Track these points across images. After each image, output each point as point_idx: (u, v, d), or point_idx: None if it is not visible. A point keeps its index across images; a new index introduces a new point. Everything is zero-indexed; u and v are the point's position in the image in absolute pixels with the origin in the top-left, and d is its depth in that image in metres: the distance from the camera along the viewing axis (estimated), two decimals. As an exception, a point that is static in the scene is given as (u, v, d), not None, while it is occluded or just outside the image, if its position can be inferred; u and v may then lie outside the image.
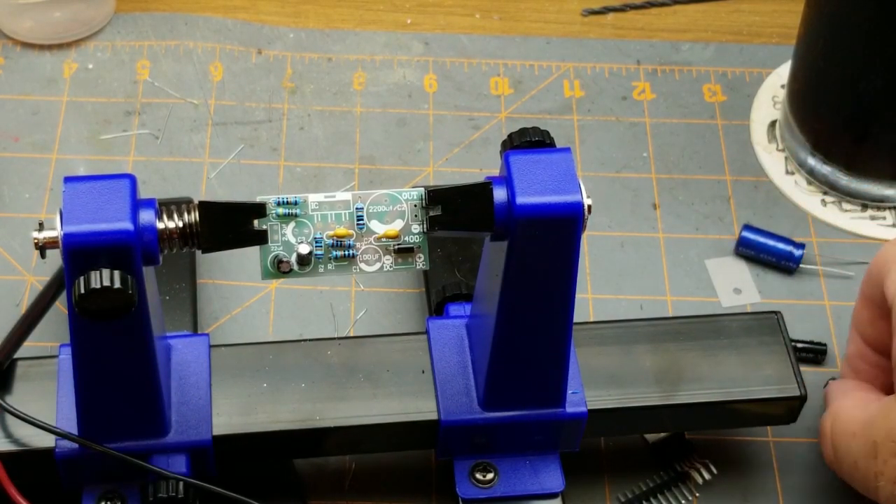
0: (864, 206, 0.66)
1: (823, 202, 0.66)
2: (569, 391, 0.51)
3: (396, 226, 0.44)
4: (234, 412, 0.50)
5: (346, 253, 0.44)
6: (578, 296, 0.51)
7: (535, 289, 0.46)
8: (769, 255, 0.63)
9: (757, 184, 0.67)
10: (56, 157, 0.66)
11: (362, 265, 0.44)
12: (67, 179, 0.43)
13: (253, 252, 0.44)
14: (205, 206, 0.43)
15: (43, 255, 0.43)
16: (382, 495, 0.55)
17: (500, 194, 0.44)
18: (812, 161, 0.66)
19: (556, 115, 0.69)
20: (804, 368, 0.57)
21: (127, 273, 0.42)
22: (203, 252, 0.44)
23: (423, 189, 0.45)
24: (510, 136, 0.48)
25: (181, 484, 0.48)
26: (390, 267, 0.45)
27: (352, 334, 0.60)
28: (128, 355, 0.46)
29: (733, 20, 0.75)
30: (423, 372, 0.52)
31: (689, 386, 0.52)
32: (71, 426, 0.49)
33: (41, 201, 0.64)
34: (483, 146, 0.68)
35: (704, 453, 0.56)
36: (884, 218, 0.66)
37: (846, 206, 0.66)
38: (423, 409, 0.51)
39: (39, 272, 0.61)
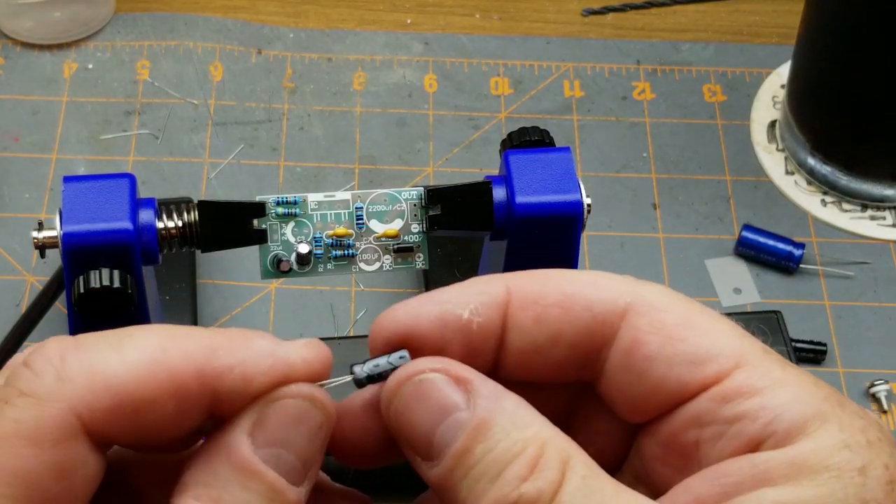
0: (864, 206, 0.66)
1: (823, 202, 0.66)
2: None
3: (396, 225, 0.44)
4: (233, 412, 0.50)
5: (346, 252, 0.44)
6: (578, 295, 0.51)
7: (534, 288, 0.46)
8: (769, 255, 0.63)
9: (757, 184, 0.67)
10: (56, 157, 0.66)
11: (362, 265, 0.44)
12: (67, 179, 0.43)
13: (253, 252, 0.44)
14: (204, 206, 0.43)
15: (42, 255, 0.43)
16: (382, 495, 0.55)
17: (499, 194, 0.44)
18: (812, 161, 0.66)
19: (556, 115, 0.69)
20: (804, 368, 0.57)
21: (126, 272, 0.42)
22: (202, 251, 0.44)
23: (422, 188, 0.45)
24: (509, 135, 0.48)
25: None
26: (390, 266, 0.45)
27: (352, 334, 0.60)
28: (127, 355, 0.46)
29: (733, 20, 0.75)
30: (422, 372, 0.52)
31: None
32: (70, 426, 0.48)
33: (41, 201, 0.64)
34: (483, 146, 0.68)
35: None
36: (884, 218, 0.65)
37: (846, 206, 0.66)
38: (422, 408, 0.51)
39: (39, 272, 0.61)
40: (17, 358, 0.29)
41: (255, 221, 0.44)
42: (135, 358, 0.28)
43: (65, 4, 0.70)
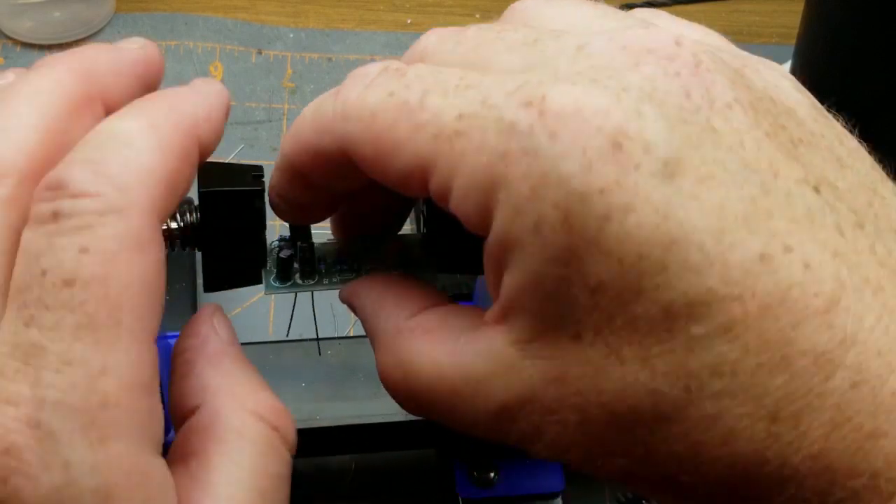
0: (864, 206, 0.66)
1: (823, 202, 0.66)
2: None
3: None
4: (234, 412, 0.50)
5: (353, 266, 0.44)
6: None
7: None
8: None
9: (757, 184, 0.67)
10: (56, 157, 0.66)
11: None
12: (67, 179, 0.43)
13: (253, 252, 0.44)
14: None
15: (43, 255, 0.43)
16: (382, 495, 0.55)
17: None
18: (812, 161, 0.66)
19: (556, 115, 0.69)
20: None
21: (127, 273, 0.42)
22: (203, 251, 0.44)
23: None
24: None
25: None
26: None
27: (352, 334, 0.60)
28: (128, 355, 0.46)
29: (733, 20, 0.75)
30: (423, 372, 0.52)
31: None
32: (71, 426, 0.48)
33: (41, 201, 0.64)
34: (483, 146, 0.68)
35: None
36: (884, 218, 0.65)
37: (846, 205, 0.66)
38: (423, 408, 0.51)
39: (39, 272, 0.61)
40: (45, 194, 0.30)
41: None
42: (153, 146, 0.31)
43: (65, 4, 0.70)
